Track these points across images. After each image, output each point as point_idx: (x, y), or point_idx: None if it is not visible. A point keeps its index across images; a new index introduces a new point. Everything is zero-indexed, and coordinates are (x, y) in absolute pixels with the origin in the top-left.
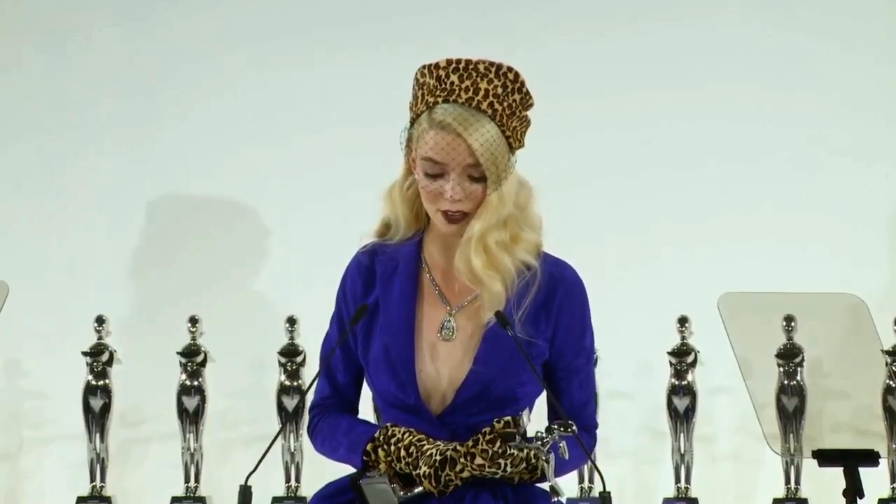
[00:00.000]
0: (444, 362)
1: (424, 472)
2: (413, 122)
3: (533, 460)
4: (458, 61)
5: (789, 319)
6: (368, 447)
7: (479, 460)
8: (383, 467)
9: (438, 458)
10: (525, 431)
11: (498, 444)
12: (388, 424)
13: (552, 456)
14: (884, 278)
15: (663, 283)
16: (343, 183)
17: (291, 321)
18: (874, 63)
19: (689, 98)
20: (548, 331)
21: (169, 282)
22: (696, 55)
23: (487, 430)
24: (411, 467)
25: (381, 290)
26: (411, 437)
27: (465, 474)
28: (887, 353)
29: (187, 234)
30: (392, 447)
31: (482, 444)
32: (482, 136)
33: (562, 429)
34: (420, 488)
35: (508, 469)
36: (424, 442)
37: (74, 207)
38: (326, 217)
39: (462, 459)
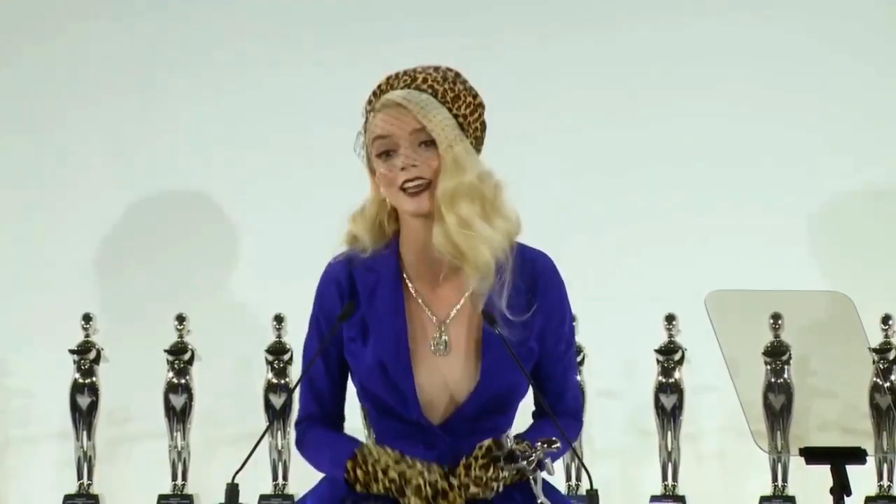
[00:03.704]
0: (444, 377)
1: (393, 489)
2: (366, 129)
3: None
4: (397, 73)
5: (776, 317)
6: (349, 465)
7: (473, 489)
8: (359, 488)
9: (429, 490)
10: (510, 452)
11: (491, 469)
12: (366, 444)
13: (539, 473)
14: (871, 276)
15: (650, 281)
16: (332, 182)
17: (278, 319)
18: (863, 64)
19: (677, 97)
20: (536, 322)
21: (156, 279)
22: (687, 55)
23: (478, 453)
24: (394, 492)
25: (366, 303)
26: (388, 458)
27: (459, 503)
28: (874, 350)
29: (174, 231)
30: (370, 467)
31: (475, 472)
32: (424, 106)
33: (546, 445)
34: None
35: (501, 489)
36: (404, 466)
37: (61, 205)
38: (313, 215)
39: (454, 491)
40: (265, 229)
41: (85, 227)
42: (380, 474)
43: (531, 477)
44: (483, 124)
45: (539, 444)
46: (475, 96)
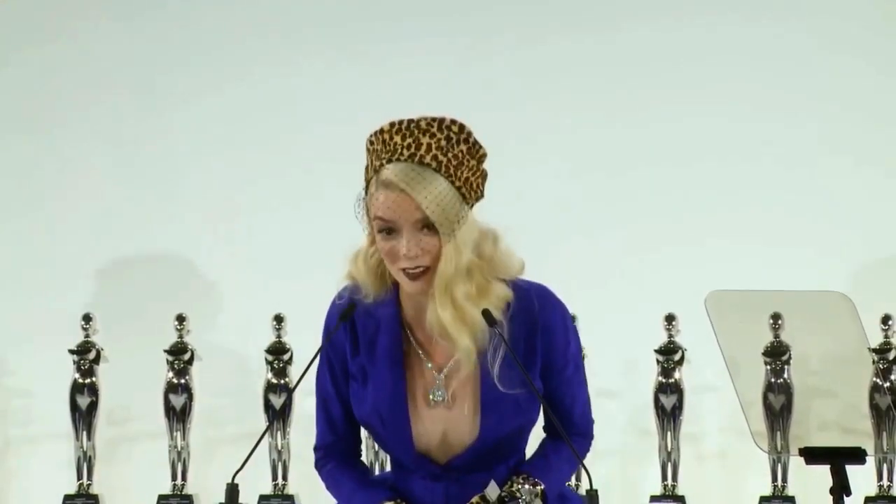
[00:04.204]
0: (443, 427)
1: None
2: (367, 189)
3: None
4: (401, 122)
5: (776, 317)
6: None
7: None
8: None
9: None
10: (499, 501)
11: None
12: (385, 500)
13: None
14: (871, 276)
15: (650, 282)
16: (333, 182)
17: (278, 319)
18: (863, 64)
19: (679, 98)
20: (536, 367)
21: (156, 280)
22: (687, 55)
23: None
24: None
25: (366, 353)
26: None
27: None
28: (874, 350)
29: (174, 232)
30: None
31: None
32: (426, 189)
33: (531, 486)
34: None
35: None
36: None
37: (61, 205)
38: (313, 216)
39: None
40: (265, 229)
41: (85, 227)
42: None
43: None
44: (484, 175)
45: (520, 486)
46: (477, 151)
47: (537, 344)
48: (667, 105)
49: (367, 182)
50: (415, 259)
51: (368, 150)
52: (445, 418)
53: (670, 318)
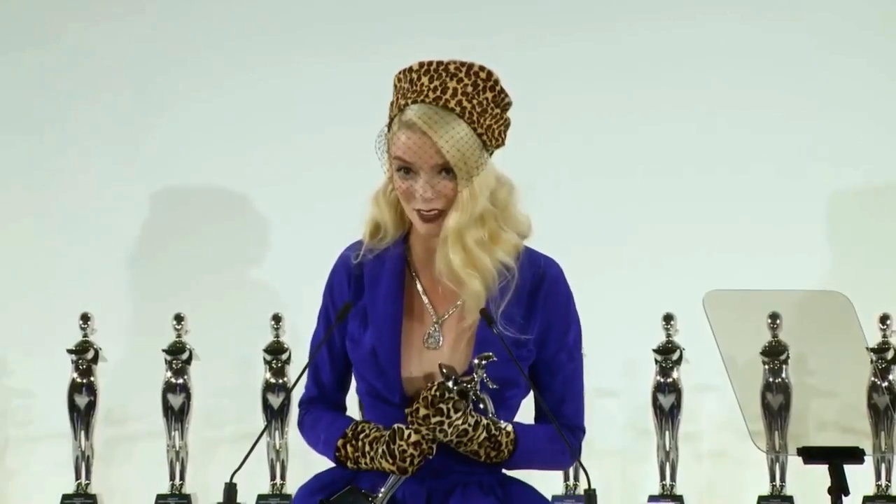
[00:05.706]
0: (432, 370)
1: (380, 452)
2: (389, 126)
3: (494, 431)
4: (430, 63)
5: (774, 317)
6: (339, 443)
7: (422, 411)
8: (350, 464)
9: (387, 434)
10: (454, 378)
11: (434, 388)
12: (361, 421)
13: (486, 395)
14: (869, 275)
15: (649, 281)
16: (330, 183)
17: (277, 319)
18: (863, 64)
19: (680, 103)
20: (534, 328)
21: (154, 279)
22: (687, 60)
23: (427, 394)
24: (374, 461)
25: (370, 290)
26: (377, 433)
27: (414, 438)
28: (872, 350)
29: (173, 232)
30: (359, 442)
31: (421, 395)
32: (448, 134)
33: (483, 361)
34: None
35: (458, 422)
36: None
37: (60, 205)
38: (312, 216)
39: (409, 418)
40: (263, 229)
41: (85, 228)
42: (367, 447)
43: (478, 395)
44: (507, 124)
45: (475, 360)
46: (503, 99)
47: (537, 307)
48: (667, 106)
49: (391, 119)
50: (430, 202)
51: (395, 86)
52: (436, 362)
53: (668, 318)
